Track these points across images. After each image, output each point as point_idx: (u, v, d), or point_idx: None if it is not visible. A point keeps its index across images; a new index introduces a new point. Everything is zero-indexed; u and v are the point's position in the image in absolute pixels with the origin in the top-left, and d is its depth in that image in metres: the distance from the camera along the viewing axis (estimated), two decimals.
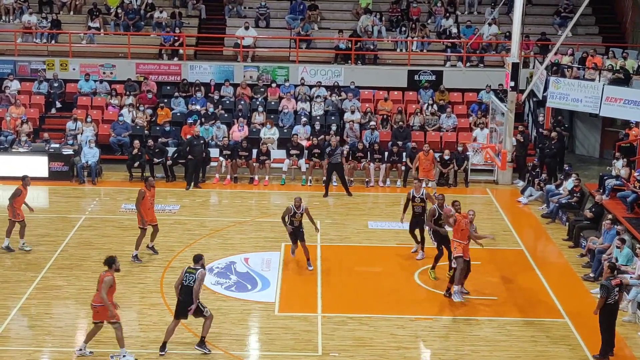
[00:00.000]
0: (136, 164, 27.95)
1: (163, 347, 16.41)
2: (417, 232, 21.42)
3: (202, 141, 27.91)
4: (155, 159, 28.03)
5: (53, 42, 33.52)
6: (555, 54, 29.64)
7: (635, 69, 29.04)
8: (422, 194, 21.37)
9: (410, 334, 17.51)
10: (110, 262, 16.05)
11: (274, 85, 32.43)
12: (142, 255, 21.20)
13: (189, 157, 27.51)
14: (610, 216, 22.07)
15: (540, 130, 29.86)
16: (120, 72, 32.76)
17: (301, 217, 20.48)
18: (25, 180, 21.70)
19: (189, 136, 28.45)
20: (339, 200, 26.52)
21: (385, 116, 31.10)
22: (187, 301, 16.23)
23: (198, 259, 16.57)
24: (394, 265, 21.18)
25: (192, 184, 27.26)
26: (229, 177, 28.12)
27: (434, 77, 33.01)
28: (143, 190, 20.93)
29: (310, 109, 31.61)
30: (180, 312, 16.37)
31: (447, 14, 35.04)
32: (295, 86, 32.39)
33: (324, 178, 27.25)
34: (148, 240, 21.42)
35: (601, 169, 28.40)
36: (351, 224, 24.25)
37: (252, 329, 17.85)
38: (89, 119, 29.85)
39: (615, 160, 26.07)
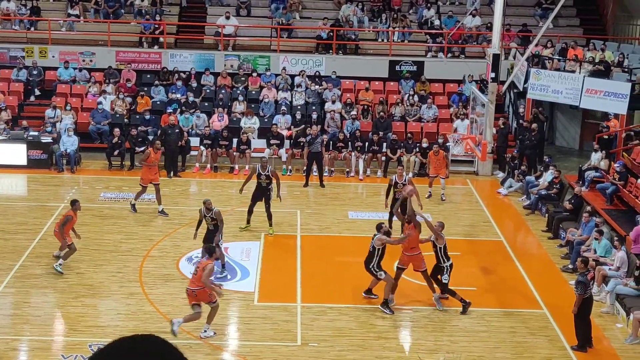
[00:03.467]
0: (116, 153, 27.84)
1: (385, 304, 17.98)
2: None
3: (177, 130, 27.79)
4: (137, 148, 27.92)
5: (32, 29, 33.28)
6: (536, 45, 29.69)
7: (615, 61, 29.16)
8: (405, 180, 21.89)
9: (389, 324, 17.54)
10: (212, 251, 16.85)
11: (254, 74, 32.33)
12: (120, 244, 21.19)
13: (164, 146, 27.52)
14: (588, 208, 22.16)
15: (521, 121, 29.92)
16: (99, 60, 32.55)
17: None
18: (75, 205, 19.66)
19: (164, 125, 28.38)
20: (320, 190, 26.50)
21: (366, 106, 31.08)
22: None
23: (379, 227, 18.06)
24: None
25: (172, 172, 27.17)
26: (209, 166, 28.05)
27: (415, 68, 32.99)
28: (149, 151, 23.48)
29: (291, 99, 31.54)
30: None
31: (429, 5, 35.01)
32: (276, 75, 32.31)
33: (305, 168, 27.20)
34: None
35: (581, 160, 28.53)
36: (331, 214, 24.24)
37: (231, 319, 17.83)
38: (68, 107, 29.67)
39: (593, 153, 26.21)
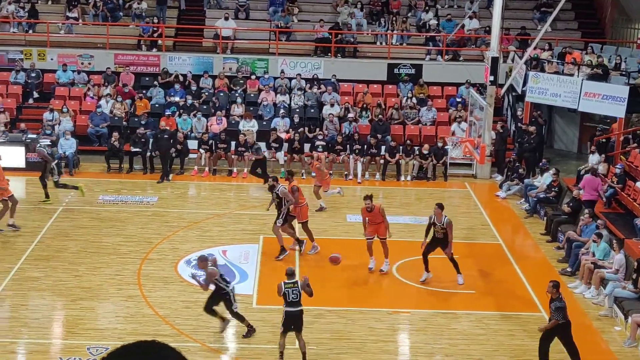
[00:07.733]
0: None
1: None
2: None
3: (166, 135, 27.48)
4: (137, 148, 27.80)
5: (31, 31, 33.27)
6: (535, 48, 29.71)
7: (613, 64, 29.18)
8: (443, 222, 19.19)
9: (387, 327, 17.52)
10: None
11: (253, 77, 32.32)
12: (119, 247, 21.19)
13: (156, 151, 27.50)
14: (587, 211, 22.10)
15: (519, 124, 29.93)
16: (98, 62, 32.54)
17: None
18: None
19: (155, 130, 28.30)
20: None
21: (364, 104, 31.05)
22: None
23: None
24: None
25: (164, 177, 27.02)
26: (207, 169, 28.02)
27: (413, 71, 32.98)
28: None
29: (290, 102, 31.53)
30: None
31: (427, 8, 35.04)
32: (275, 78, 32.31)
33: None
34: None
35: (579, 163, 28.53)
36: (330, 217, 24.22)
37: (230, 322, 17.78)
38: (65, 110, 29.65)
39: (590, 155, 26.25)
